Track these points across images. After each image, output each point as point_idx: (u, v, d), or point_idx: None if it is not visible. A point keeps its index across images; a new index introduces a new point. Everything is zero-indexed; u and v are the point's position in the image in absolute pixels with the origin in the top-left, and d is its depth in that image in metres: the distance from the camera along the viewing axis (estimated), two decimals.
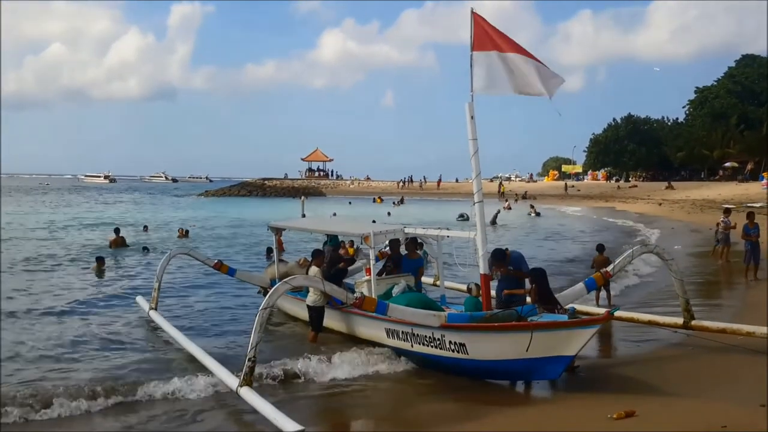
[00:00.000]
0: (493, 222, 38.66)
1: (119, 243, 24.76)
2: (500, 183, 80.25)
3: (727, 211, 21.23)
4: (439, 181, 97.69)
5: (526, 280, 9.82)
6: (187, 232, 29.91)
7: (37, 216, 42.60)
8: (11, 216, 40.18)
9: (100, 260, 19.77)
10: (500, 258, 9.78)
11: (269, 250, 14.81)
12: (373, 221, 19.43)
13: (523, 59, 9.24)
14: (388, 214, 46.60)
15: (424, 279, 12.56)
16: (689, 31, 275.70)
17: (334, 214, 35.07)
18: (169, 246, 24.41)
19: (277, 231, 13.98)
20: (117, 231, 26.36)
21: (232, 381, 8.11)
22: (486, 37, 9.29)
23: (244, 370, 7.93)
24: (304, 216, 25.06)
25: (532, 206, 49.51)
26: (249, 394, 7.68)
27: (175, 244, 26.32)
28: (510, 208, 49.99)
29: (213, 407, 8.07)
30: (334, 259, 12.05)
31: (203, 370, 9.04)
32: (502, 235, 32.56)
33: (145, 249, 24.02)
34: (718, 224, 20.22)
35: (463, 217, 39.12)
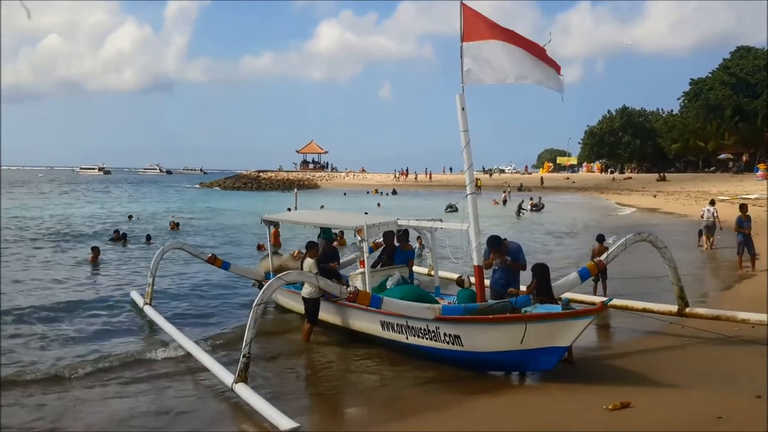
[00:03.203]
0: (519, 213, 38.74)
1: (119, 239, 24.49)
2: (477, 178, 79.16)
3: (712, 202, 22.34)
4: (430, 174, 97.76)
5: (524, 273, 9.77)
6: (177, 224, 29.81)
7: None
8: None
9: (95, 250, 19.63)
10: (497, 244, 9.71)
11: (259, 247, 14.76)
12: (365, 213, 19.36)
13: (520, 51, 9.17)
14: (378, 205, 46.52)
15: (418, 269, 12.53)
16: (688, 23, 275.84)
17: (322, 207, 35.05)
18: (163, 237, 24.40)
19: (271, 224, 13.90)
20: (117, 232, 25.99)
21: (227, 377, 8.05)
22: (476, 27, 9.22)
23: (238, 367, 7.86)
24: (290, 209, 24.99)
25: (530, 200, 46.06)
26: (244, 391, 7.61)
27: (168, 235, 26.30)
28: (505, 202, 49.69)
29: (208, 404, 8.03)
30: (328, 253, 11.97)
31: (198, 365, 9.01)
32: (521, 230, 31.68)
33: (148, 238, 24.08)
34: (702, 214, 21.60)
35: (452, 208, 39.10)
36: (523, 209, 40.27)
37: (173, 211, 40.40)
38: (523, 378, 8.52)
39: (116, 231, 25.42)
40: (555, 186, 73.97)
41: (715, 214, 20.83)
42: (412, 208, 44.16)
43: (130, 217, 33.82)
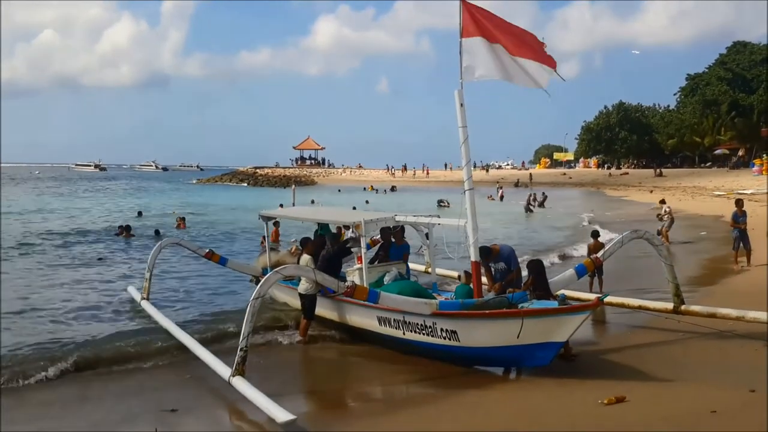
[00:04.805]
0: (527, 209, 38.78)
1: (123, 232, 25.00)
2: None
3: (663, 201, 24.25)
4: (428, 170, 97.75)
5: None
6: (183, 219, 29.79)
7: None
8: None
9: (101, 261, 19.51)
10: (486, 255, 9.76)
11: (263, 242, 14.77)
12: (353, 208, 19.39)
13: (512, 58, 9.16)
14: (366, 202, 46.47)
15: (416, 266, 12.55)
16: (688, 17, 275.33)
17: (312, 202, 35.03)
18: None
19: (269, 220, 13.93)
20: (122, 227, 26.20)
21: (224, 371, 8.09)
22: (475, 23, 9.22)
23: (236, 360, 7.91)
24: (282, 205, 25.04)
25: (533, 195, 43.24)
26: (241, 384, 7.66)
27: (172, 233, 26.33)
28: (502, 198, 49.53)
29: (205, 397, 8.07)
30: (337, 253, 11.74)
31: (195, 359, 9.04)
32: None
33: (157, 232, 24.18)
34: (664, 212, 22.80)
35: (443, 204, 39.13)
36: (532, 204, 40.21)
37: (177, 207, 40.45)
38: (519, 373, 8.57)
39: (120, 227, 25.88)
40: (552, 182, 73.93)
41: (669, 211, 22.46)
42: (405, 204, 44.13)
43: (140, 213, 33.91)
